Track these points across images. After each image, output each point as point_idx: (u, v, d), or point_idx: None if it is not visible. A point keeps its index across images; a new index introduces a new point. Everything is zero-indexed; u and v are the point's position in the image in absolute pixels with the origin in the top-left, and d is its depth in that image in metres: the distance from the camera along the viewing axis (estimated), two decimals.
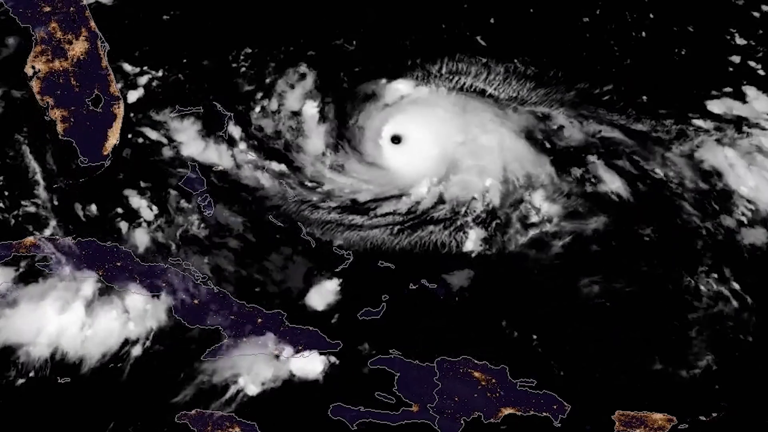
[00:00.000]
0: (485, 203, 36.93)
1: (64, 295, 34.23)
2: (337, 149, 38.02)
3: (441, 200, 37.03)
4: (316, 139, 38.27)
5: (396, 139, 38.60)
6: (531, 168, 37.74)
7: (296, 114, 38.59)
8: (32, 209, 35.98)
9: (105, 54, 39.84)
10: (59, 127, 38.23)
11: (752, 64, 40.43)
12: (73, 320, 34.08)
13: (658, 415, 34.76)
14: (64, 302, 34.10)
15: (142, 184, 36.78)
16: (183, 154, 37.20)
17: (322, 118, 38.65)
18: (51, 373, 33.25)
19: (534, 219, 36.71)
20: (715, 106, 39.22)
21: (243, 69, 39.64)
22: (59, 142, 37.89)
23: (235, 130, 37.74)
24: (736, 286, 35.34)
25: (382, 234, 36.34)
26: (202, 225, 36.14)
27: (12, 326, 33.58)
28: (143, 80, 38.99)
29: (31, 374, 33.19)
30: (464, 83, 39.83)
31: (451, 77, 39.92)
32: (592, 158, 37.98)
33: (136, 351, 33.72)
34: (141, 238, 35.51)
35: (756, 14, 41.91)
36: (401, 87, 39.67)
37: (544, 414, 33.63)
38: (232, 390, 33.63)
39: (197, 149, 37.35)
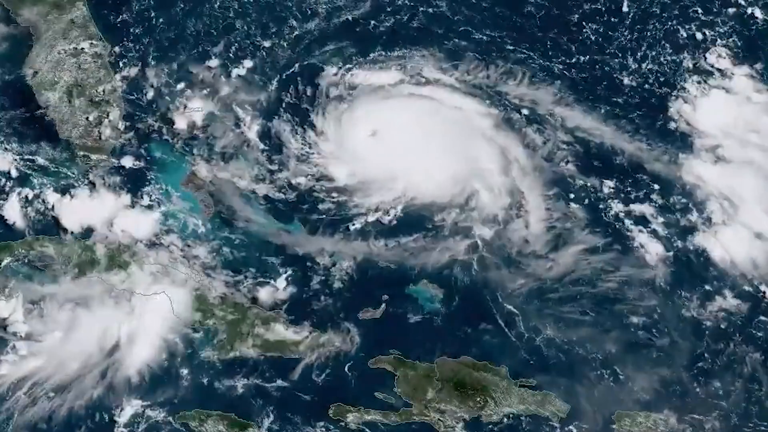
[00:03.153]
0: (478, 206, 37.15)
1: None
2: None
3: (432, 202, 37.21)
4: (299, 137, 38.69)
5: (373, 134, 38.25)
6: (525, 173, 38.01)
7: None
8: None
9: (106, 53, 40.03)
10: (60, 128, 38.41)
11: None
12: None
13: None
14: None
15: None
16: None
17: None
18: None
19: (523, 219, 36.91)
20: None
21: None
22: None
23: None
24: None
25: (377, 236, 36.54)
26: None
27: None
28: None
29: None
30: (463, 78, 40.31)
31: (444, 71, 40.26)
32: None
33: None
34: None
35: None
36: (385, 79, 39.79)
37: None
38: (234, 389, 33.63)
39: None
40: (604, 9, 42.03)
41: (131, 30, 40.42)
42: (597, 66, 40.50)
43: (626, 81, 40.09)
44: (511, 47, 40.67)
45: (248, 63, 39.93)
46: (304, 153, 37.95)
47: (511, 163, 37.77)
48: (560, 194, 37.28)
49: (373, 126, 38.42)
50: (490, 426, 33.40)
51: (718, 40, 41.11)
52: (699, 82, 39.96)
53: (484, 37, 40.87)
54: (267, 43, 40.44)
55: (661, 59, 40.64)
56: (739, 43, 41.01)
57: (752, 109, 39.48)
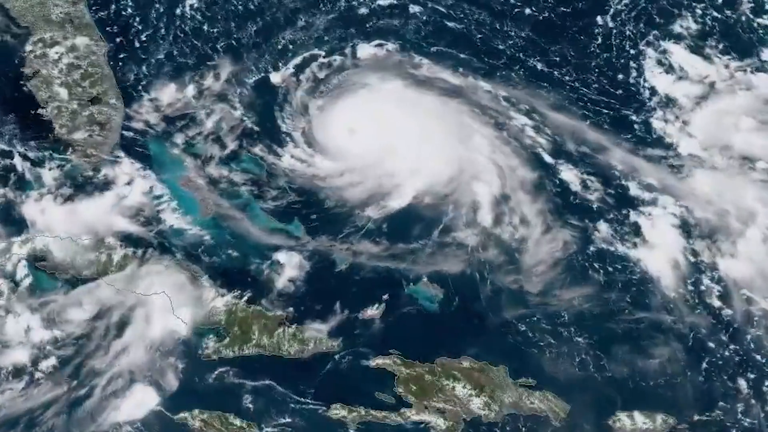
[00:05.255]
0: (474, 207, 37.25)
1: None
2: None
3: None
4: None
5: (352, 132, 38.24)
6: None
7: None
8: None
9: (105, 53, 40.01)
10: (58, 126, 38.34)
11: None
12: None
13: None
14: None
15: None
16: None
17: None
18: None
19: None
20: None
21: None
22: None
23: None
24: None
25: (375, 238, 36.60)
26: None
27: None
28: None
29: None
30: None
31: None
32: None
33: None
34: None
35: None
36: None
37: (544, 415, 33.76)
38: (234, 389, 33.66)
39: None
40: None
41: (108, 29, 40.50)
42: (594, 77, 40.69)
43: (620, 91, 40.38)
44: (512, 52, 40.95)
45: (228, 63, 40.17)
46: (292, 153, 38.04)
47: (513, 180, 37.89)
48: (560, 210, 37.44)
49: (352, 124, 38.35)
50: (490, 426, 33.47)
51: (714, 45, 41.44)
52: (697, 91, 40.21)
53: (481, 39, 41.18)
54: (251, 41, 40.78)
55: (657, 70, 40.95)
56: (737, 48, 41.39)
57: (749, 110, 39.75)
